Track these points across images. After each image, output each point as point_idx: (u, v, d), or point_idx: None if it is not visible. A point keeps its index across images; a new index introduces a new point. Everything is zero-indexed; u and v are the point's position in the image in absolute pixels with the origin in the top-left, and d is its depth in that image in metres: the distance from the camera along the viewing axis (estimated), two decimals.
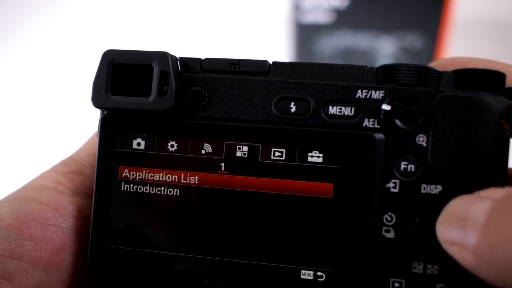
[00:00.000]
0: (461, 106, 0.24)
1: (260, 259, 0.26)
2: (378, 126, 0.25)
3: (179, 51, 0.28)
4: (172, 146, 0.27)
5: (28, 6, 0.89)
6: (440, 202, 0.23)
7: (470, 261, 0.20)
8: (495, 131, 0.24)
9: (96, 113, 0.28)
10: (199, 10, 0.87)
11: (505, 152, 0.24)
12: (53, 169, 0.30)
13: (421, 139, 0.25)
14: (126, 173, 0.27)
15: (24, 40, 0.89)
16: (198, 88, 0.26)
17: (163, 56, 0.26)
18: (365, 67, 0.26)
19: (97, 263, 0.27)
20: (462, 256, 0.20)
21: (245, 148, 0.26)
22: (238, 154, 0.26)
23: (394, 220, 0.25)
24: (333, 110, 0.25)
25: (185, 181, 0.26)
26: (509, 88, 0.25)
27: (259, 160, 0.26)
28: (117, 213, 0.27)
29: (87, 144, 0.31)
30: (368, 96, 0.25)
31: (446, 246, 0.21)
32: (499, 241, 0.18)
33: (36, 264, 0.26)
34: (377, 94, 0.25)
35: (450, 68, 0.27)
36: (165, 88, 0.26)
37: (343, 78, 0.26)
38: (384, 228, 0.25)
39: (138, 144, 0.27)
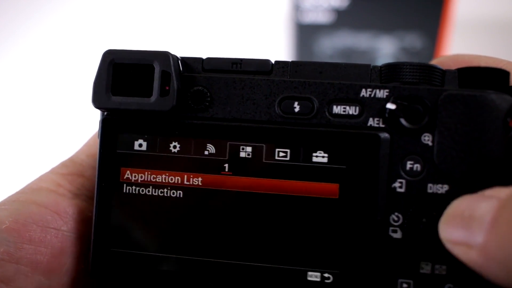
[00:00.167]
0: (466, 104, 0.24)
1: (266, 261, 0.25)
2: (383, 126, 0.25)
3: (180, 51, 0.27)
4: (175, 147, 0.26)
5: (28, 6, 0.89)
6: (446, 201, 0.23)
7: (477, 260, 0.20)
8: (500, 130, 0.24)
9: (96, 114, 0.28)
10: (200, 10, 0.87)
11: (510, 151, 0.24)
12: (53, 171, 0.30)
13: (427, 138, 0.24)
14: (128, 174, 0.27)
15: (24, 40, 0.89)
16: (200, 88, 0.26)
17: (164, 56, 0.26)
18: (368, 65, 0.26)
19: (99, 266, 0.27)
20: (468, 255, 0.20)
21: (249, 149, 0.26)
22: (242, 154, 0.26)
23: (401, 220, 0.24)
24: (337, 109, 0.25)
25: (188, 183, 0.26)
26: None
27: (263, 161, 0.26)
28: (119, 216, 0.27)
29: (87, 145, 0.31)
30: (372, 95, 0.25)
31: (449, 246, 0.21)
32: (510, 238, 0.18)
33: (36, 267, 0.26)
34: (381, 93, 0.25)
35: (452, 65, 0.27)
36: (167, 88, 0.25)
37: (346, 77, 0.26)
38: (391, 228, 0.25)
39: (140, 145, 0.27)
